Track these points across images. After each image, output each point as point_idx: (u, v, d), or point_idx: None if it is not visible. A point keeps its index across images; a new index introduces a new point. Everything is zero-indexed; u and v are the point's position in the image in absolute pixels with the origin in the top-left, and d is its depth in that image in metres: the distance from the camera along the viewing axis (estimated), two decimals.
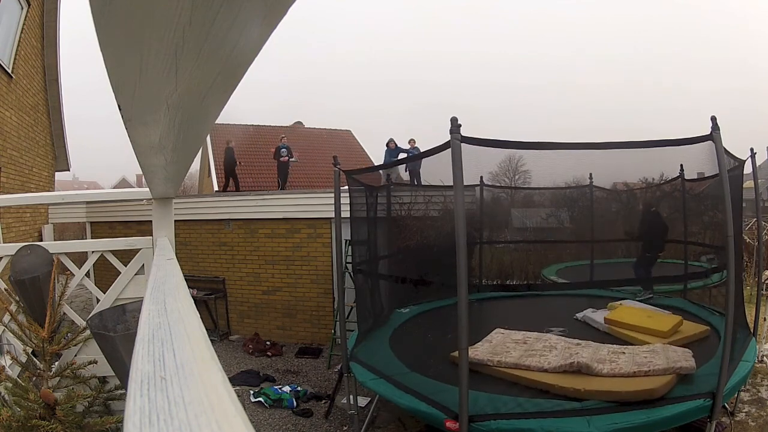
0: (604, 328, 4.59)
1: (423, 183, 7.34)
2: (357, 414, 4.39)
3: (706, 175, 5.12)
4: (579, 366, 3.47)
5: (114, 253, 2.81)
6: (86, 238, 8.13)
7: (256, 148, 16.60)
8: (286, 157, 10.84)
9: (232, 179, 10.47)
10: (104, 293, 2.72)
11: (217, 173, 15.54)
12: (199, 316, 0.68)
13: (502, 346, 4.05)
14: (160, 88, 0.65)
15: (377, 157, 17.90)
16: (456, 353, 3.15)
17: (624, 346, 3.98)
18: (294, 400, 5.24)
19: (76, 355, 2.46)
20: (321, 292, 7.38)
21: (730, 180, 3.46)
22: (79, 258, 3.06)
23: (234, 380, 5.78)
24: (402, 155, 9.59)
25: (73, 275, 2.77)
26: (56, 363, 2.37)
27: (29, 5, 7.73)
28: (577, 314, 5.00)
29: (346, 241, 5.52)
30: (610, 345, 3.98)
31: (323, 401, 5.29)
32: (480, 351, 3.92)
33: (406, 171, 8.63)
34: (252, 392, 5.42)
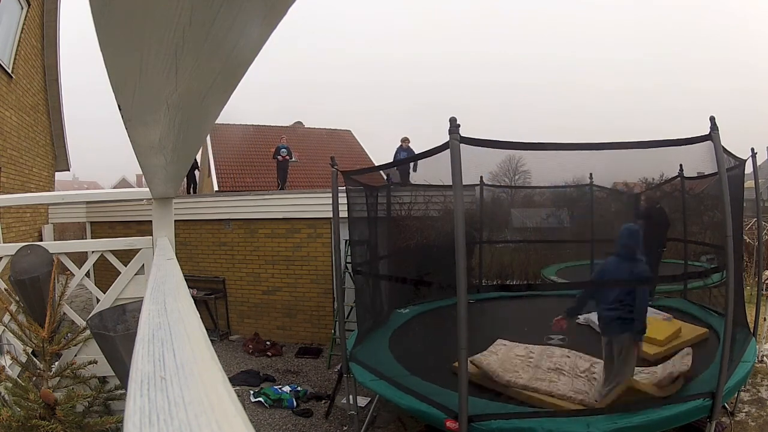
0: None
1: (423, 183, 7.32)
2: (357, 414, 4.39)
3: (705, 174, 5.12)
4: (587, 404, 3.44)
5: (114, 253, 2.81)
6: (86, 238, 8.12)
7: (256, 148, 16.61)
8: (285, 157, 10.84)
9: (191, 182, 10.58)
10: (104, 293, 2.71)
11: (217, 173, 15.55)
12: (199, 316, 0.68)
13: (510, 363, 4.02)
14: (160, 88, 0.65)
15: (377, 157, 17.92)
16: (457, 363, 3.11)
17: None
18: (294, 400, 5.24)
19: (76, 355, 2.46)
20: (321, 292, 7.38)
21: (729, 179, 3.46)
22: (79, 258, 3.05)
23: (234, 380, 5.78)
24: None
25: (73, 275, 2.77)
26: (56, 363, 2.37)
27: (29, 5, 7.72)
28: (579, 316, 4.94)
29: (345, 241, 5.52)
30: None
31: (323, 401, 5.29)
32: (490, 362, 3.91)
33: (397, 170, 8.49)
34: (252, 392, 5.41)
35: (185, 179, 10.54)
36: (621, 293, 3.16)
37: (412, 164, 7.42)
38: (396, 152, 9.16)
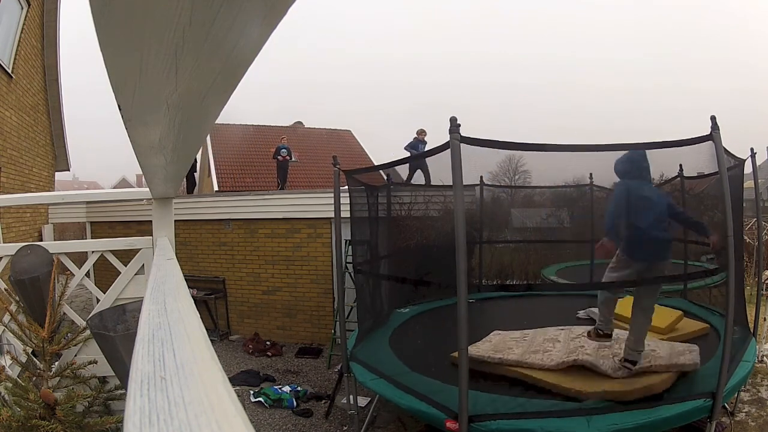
0: None
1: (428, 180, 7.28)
2: (357, 414, 4.39)
3: (705, 174, 5.11)
4: (583, 363, 3.46)
5: (114, 253, 2.81)
6: (86, 238, 8.13)
7: (256, 148, 16.62)
8: (285, 157, 10.84)
9: (191, 183, 10.53)
10: (104, 293, 2.71)
11: (217, 173, 15.55)
12: (199, 316, 0.68)
13: (503, 344, 4.04)
14: (160, 88, 0.65)
15: (377, 157, 17.92)
16: (456, 353, 3.13)
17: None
18: (294, 400, 5.25)
19: (76, 355, 2.46)
20: (321, 292, 7.38)
21: (729, 179, 3.46)
22: (79, 258, 3.05)
23: (234, 380, 5.78)
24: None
25: (73, 275, 2.77)
26: (56, 363, 2.37)
27: (29, 5, 7.73)
28: (579, 312, 4.99)
29: (346, 241, 5.52)
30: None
31: (323, 401, 5.29)
32: (482, 349, 3.92)
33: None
34: (252, 392, 5.42)
35: (184, 180, 10.52)
36: (663, 214, 2.96)
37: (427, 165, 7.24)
38: (415, 145, 8.58)
